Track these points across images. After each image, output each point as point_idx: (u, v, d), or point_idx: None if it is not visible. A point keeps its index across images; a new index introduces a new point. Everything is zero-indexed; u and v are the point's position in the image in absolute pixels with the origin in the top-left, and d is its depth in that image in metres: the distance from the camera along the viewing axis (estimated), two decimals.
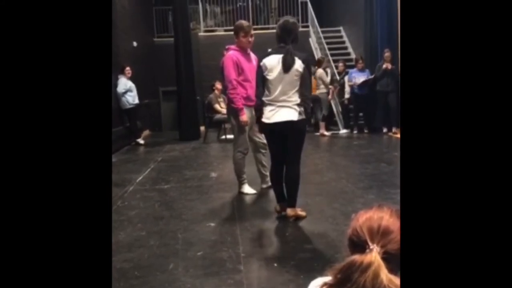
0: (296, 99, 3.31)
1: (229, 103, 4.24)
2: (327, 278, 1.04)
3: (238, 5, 12.56)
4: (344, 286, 0.99)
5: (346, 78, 9.11)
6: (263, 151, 4.37)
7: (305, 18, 12.32)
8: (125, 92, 8.27)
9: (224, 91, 4.60)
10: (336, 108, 9.59)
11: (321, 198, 4.10)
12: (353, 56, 10.89)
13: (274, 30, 3.46)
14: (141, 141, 8.78)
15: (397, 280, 0.98)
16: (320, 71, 8.72)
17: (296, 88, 3.30)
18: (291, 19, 3.43)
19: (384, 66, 8.30)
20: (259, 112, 3.43)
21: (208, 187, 4.77)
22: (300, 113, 3.30)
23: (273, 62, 3.31)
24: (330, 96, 8.96)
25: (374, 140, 7.91)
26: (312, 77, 8.52)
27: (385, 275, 0.97)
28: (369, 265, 0.98)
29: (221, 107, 8.54)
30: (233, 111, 4.18)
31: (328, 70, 9.22)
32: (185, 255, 2.87)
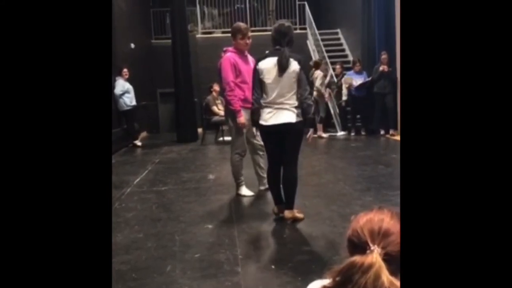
0: (293, 101, 3.32)
1: (227, 105, 4.24)
2: (326, 281, 1.03)
3: (235, 7, 12.58)
4: None
5: (343, 80, 9.12)
6: (260, 153, 4.37)
7: (302, 20, 12.35)
8: (123, 94, 8.27)
9: (222, 93, 4.60)
10: (333, 110, 9.61)
11: (318, 200, 4.10)
12: (350, 58, 10.91)
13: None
14: (138, 143, 8.77)
15: (398, 282, 0.97)
16: (317, 72, 8.73)
17: (294, 91, 3.31)
18: (286, 22, 3.44)
19: (381, 68, 8.32)
20: (256, 115, 3.43)
21: (206, 189, 4.76)
22: (297, 115, 3.31)
23: (269, 65, 3.32)
24: (326, 95, 8.97)
25: (371, 142, 7.92)
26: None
27: (386, 276, 0.96)
28: (371, 266, 0.96)
29: (219, 109, 8.54)
30: (231, 113, 4.18)
31: (328, 73, 9.24)
32: (182, 257, 2.86)
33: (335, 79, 9.59)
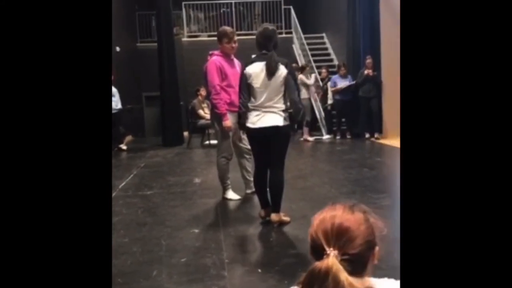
0: (281, 105, 3.34)
1: (213, 108, 4.24)
2: None
3: (221, 11, 12.58)
4: None
5: (329, 84, 9.18)
6: (247, 156, 4.38)
7: (288, 25, 12.41)
8: None
9: (208, 96, 4.61)
10: (319, 114, 9.66)
11: (304, 203, 4.12)
12: (336, 62, 10.99)
13: None
14: (123, 146, 8.70)
15: (357, 282, 0.93)
16: (300, 76, 8.78)
17: (281, 94, 3.33)
18: (270, 26, 3.46)
19: (366, 72, 8.40)
20: (243, 118, 3.44)
21: (192, 193, 4.74)
22: (285, 119, 3.33)
23: (257, 69, 3.33)
24: (314, 93, 9.05)
25: (356, 146, 7.98)
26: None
27: (345, 278, 0.91)
28: (328, 271, 0.92)
29: (205, 112, 8.52)
30: (217, 117, 4.18)
31: (312, 76, 9.29)
32: (168, 261, 2.84)
33: (320, 83, 9.65)
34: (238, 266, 2.74)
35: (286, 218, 3.50)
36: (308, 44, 11.19)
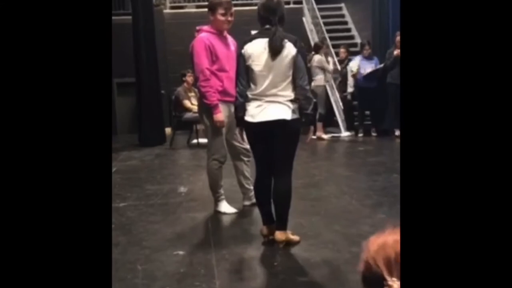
0: (289, 93, 3.33)
1: (201, 98, 4.24)
2: None
3: None
4: None
5: (348, 67, 9.18)
6: (245, 159, 4.38)
7: None
8: None
9: (195, 83, 4.61)
10: (336, 105, 9.66)
11: (318, 218, 4.12)
12: (357, 40, 11.00)
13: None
14: None
15: None
16: (318, 57, 8.78)
17: (289, 79, 3.32)
18: None
19: (395, 52, 8.40)
20: (240, 111, 3.43)
21: (176, 206, 4.75)
22: (293, 111, 3.32)
23: (258, 48, 3.33)
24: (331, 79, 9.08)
25: (384, 145, 7.99)
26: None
27: None
28: None
29: (192, 103, 8.53)
30: (206, 109, 4.17)
31: (330, 59, 9.28)
32: None
33: (339, 66, 9.65)
34: None
35: (295, 237, 3.50)
36: (323, 17, 11.20)
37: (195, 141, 8.86)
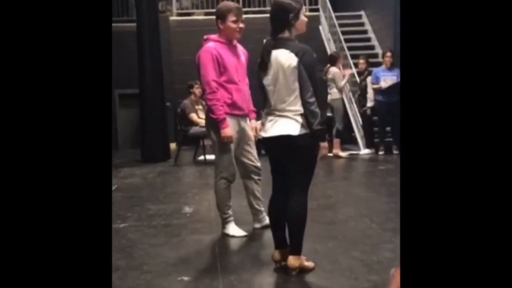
0: (298, 107, 3.33)
1: (208, 112, 4.25)
2: None
3: None
4: None
5: (369, 79, 9.18)
6: (256, 177, 4.37)
7: (314, 0, 12.47)
8: None
9: (203, 95, 4.63)
10: (355, 120, 9.65)
11: (335, 243, 4.09)
12: (378, 50, 11.00)
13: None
14: None
15: None
16: (333, 69, 8.80)
17: (296, 93, 3.33)
18: None
19: None
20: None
21: (180, 227, 4.74)
22: (303, 126, 3.31)
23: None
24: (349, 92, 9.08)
25: None
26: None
27: None
28: None
29: (199, 117, 8.55)
30: (213, 123, 4.18)
31: (346, 71, 9.28)
32: None
33: (358, 78, 9.65)
34: None
35: (309, 264, 3.48)
36: (341, 25, 11.23)
37: (201, 157, 8.86)
